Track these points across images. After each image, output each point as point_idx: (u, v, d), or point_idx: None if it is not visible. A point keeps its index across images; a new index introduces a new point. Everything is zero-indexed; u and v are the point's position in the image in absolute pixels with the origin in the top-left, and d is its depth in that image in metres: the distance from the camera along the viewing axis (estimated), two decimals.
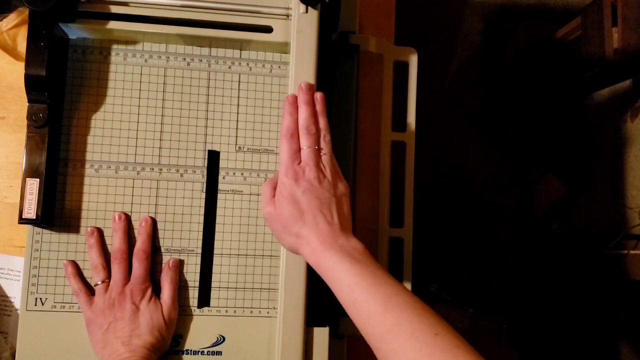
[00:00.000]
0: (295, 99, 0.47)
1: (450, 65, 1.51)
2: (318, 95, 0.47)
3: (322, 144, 0.46)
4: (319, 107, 0.47)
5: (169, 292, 0.50)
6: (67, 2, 0.48)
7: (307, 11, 0.51)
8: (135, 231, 0.51)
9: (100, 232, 0.50)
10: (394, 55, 0.63)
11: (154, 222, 0.51)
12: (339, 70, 0.59)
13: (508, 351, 1.13)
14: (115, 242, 0.50)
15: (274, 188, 0.46)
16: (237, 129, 0.53)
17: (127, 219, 0.50)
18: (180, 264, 0.51)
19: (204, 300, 0.51)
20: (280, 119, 0.54)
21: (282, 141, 0.46)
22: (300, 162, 0.45)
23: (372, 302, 0.40)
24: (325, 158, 0.46)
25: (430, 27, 1.50)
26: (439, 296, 1.23)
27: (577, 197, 1.45)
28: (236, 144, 0.53)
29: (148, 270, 0.50)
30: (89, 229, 0.50)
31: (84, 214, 0.51)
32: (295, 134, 0.46)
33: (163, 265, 0.51)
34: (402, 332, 0.38)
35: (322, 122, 0.47)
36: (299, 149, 0.46)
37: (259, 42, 0.52)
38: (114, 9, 0.50)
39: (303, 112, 0.47)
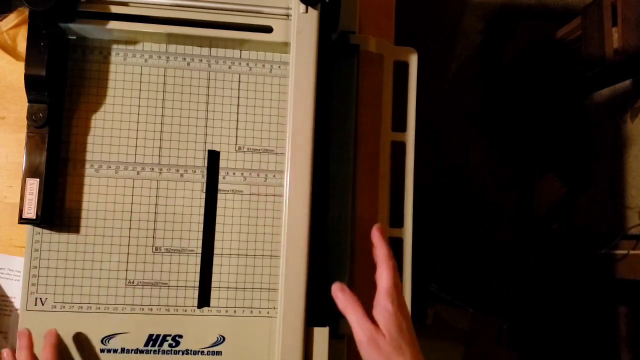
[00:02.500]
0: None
1: (450, 65, 1.51)
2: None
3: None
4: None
5: None
6: (67, 2, 0.48)
7: (307, 11, 0.51)
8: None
9: (30, 337, 0.48)
10: (394, 55, 0.63)
11: None
12: (339, 70, 0.59)
13: (508, 351, 1.13)
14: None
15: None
16: (237, 129, 0.53)
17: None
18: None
19: (204, 300, 0.51)
20: (280, 118, 0.54)
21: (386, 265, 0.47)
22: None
23: None
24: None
25: (430, 27, 1.50)
26: (439, 296, 1.23)
27: (577, 197, 1.45)
28: (236, 144, 0.53)
29: None
30: (21, 330, 0.48)
31: (84, 214, 0.51)
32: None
33: None
34: None
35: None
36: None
37: (259, 42, 0.52)
38: (114, 9, 0.50)
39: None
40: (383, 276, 0.46)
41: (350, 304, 0.46)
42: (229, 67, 0.54)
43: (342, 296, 0.47)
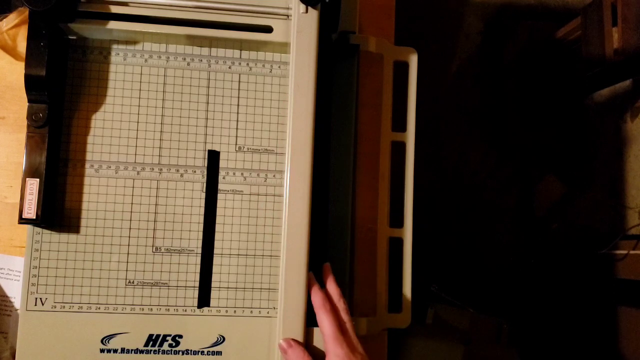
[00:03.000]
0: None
1: (450, 65, 1.51)
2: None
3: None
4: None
5: None
6: (67, 2, 0.48)
7: (307, 11, 0.51)
8: None
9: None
10: (394, 55, 0.63)
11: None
12: (339, 70, 0.59)
13: (508, 351, 1.13)
14: None
15: None
16: (237, 129, 0.53)
17: None
18: None
19: (204, 300, 0.51)
20: (280, 118, 0.54)
21: (322, 311, 0.48)
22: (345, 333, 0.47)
23: None
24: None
25: (430, 27, 1.50)
26: (439, 296, 1.23)
27: (577, 197, 1.45)
28: (236, 144, 0.53)
29: None
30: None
31: (84, 214, 0.51)
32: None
33: None
34: None
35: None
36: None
37: (259, 42, 0.52)
38: (114, 9, 0.50)
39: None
40: (324, 324, 0.47)
41: (300, 357, 0.47)
42: (229, 67, 0.54)
43: (291, 352, 0.47)
